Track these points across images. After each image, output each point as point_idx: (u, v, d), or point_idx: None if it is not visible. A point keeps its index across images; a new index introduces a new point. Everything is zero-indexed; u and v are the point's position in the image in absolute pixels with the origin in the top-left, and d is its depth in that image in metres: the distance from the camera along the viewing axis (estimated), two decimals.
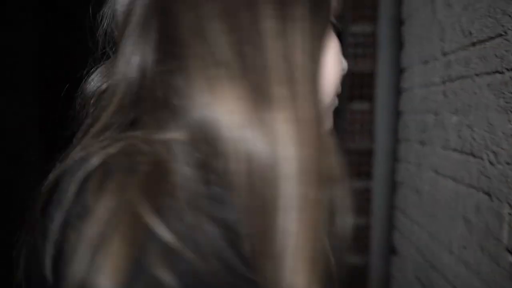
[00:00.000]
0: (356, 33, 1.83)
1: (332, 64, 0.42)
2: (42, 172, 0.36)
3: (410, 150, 0.97)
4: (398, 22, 1.49)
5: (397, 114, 1.36)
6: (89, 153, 0.32)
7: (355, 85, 1.85)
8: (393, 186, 1.31)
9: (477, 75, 0.78)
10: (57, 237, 0.29)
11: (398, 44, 1.51)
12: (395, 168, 1.09)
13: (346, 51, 1.90)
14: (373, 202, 1.84)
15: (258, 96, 0.32)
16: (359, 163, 1.85)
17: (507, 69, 0.66)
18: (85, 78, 0.42)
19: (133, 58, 0.37)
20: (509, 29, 0.66)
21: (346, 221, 0.40)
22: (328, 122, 0.44)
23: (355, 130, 1.85)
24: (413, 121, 0.97)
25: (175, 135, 0.33)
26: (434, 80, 0.88)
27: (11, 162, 2.33)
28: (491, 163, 0.70)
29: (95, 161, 0.31)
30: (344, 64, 0.47)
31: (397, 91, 1.41)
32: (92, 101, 0.40)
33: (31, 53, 2.61)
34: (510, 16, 0.65)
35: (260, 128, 0.32)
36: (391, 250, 1.09)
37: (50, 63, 2.57)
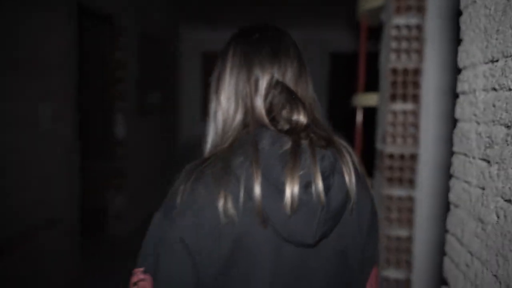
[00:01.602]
0: (399, 25, 1.65)
1: None
2: None
3: (469, 167, 0.80)
4: (452, 12, 1.29)
5: (450, 120, 1.18)
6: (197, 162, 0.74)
7: (397, 83, 1.66)
8: (444, 204, 1.14)
9: None
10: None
11: (451, 38, 1.31)
12: (448, 185, 0.92)
13: (387, 45, 1.71)
14: (416, 213, 1.66)
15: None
16: (400, 169, 1.67)
17: None
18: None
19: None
20: None
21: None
22: None
23: (397, 132, 1.68)
24: (475, 132, 0.80)
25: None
26: (506, 84, 0.71)
27: None
28: None
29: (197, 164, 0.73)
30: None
31: (451, 94, 1.22)
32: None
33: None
34: None
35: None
36: (442, 281, 0.92)
37: None
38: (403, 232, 1.68)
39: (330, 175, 0.67)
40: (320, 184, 0.64)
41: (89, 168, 6.07)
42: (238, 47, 0.80)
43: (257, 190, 0.64)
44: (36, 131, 2.97)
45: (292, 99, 0.73)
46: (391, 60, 1.66)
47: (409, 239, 1.68)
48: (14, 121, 2.76)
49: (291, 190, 0.63)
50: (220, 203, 0.65)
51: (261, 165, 0.65)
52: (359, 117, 2.51)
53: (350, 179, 0.69)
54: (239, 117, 0.75)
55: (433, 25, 1.60)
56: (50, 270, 3.14)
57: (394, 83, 1.66)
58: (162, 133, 5.89)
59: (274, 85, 0.74)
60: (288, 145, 0.67)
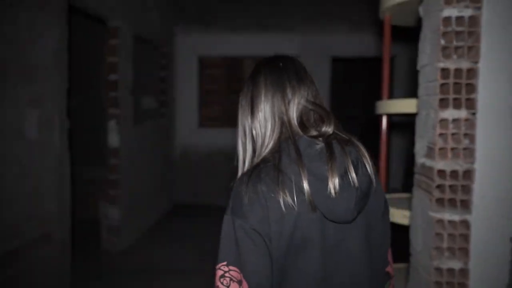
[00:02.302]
0: (449, 17, 1.39)
1: None
2: None
3: None
4: None
5: None
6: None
7: (447, 86, 1.40)
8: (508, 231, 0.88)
9: None
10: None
11: None
12: None
13: (436, 42, 1.45)
14: (472, 241, 1.40)
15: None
16: (452, 188, 1.40)
17: None
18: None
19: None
20: None
21: None
22: None
23: (447, 145, 1.41)
24: None
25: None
26: None
27: None
28: None
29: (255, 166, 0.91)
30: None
31: None
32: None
33: None
34: None
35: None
36: None
37: None
38: (456, 264, 1.41)
39: (358, 165, 0.87)
40: (353, 173, 0.84)
41: (81, 179, 5.75)
42: (268, 75, 0.99)
43: (305, 184, 0.83)
44: (23, 140, 2.66)
45: (326, 113, 0.96)
46: (440, 59, 1.40)
47: (464, 272, 1.41)
48: (5, 130, 2.47)
49: (332, 180, 0.82)
50: (281, 197, 0.84)
51: (305, 164, 0.84)
52: (384, 125, 2.24)
53: (370, 168, 0.90)
54: (277, 131, 0.94)
55: (492, 16, 1.34)
56: None
57: (444, 86, 1.40)
58: (158, 141, 5.57)
59: (305, 103, 0.96)
60: (321, 146, 0.87)
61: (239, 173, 0.99)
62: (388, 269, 1.02)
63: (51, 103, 2.95)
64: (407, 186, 5.77)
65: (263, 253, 0.84)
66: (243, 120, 1.01)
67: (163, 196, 5.80)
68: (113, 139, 4.23)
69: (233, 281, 0.85)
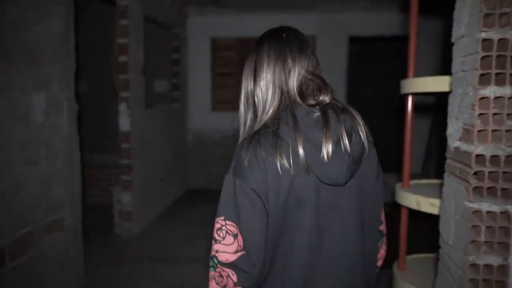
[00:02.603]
0: None
1: None
2: None
3: None
4: None
5: None
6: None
7: (489, 59, 1.23)
8: None
9: None
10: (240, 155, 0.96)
11: None
12: None
13: (476, 9, 1.27)
14: None
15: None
16: (492, 175, 1.25)
17: None
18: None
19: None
20: None
21: None
22: None
23: (488, 126, 1.24)
24: None
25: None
26: None
27: None
28: None
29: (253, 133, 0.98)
30: None
31: None
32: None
33: None
34: None
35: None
36: None
37: None
38: (494, 260, 1.26)
39: (351, 133, 0.96)
40: (346, 140, 0.93)
41: (94, 164, 5.71)
42: (271, 45, 1.04)
43: (301, 149, 0.92)
44: (29, 124, 2.57)
45: (324, 83, 1.02)
46: (481, 28, 1.22)
47: (503, 269, 1.26)
48: (4, 115, 2.38)
49: (326, 146, 0.91)
50: (278, 161, 0.92)
51: (302, 131, 0.93)
52: (409, 106, 2.07)
53: (363, 136, 0.98)
54: (276, 99, 1.02)
55: None
56: (53, 277, 2.78)
57: (485, 60, 1.23)
58: (171, 125, 5.47)
59: (305, 73, 1.02)
60: (317, 114, 0.95)
61: (240, 135, 1.08)
62: (381, 227, 1.14)
63: (58, 86, 2.84)
64: (427, 171, 5.56)
65: (259, 211, 0.93)
66: (246, 86, 1.07)
67: (176, 181, 5.74)
68: (124, 123, 4.13)
69: (229, 234, 0.94)
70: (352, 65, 7.08)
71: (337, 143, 0.92)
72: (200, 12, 6.06)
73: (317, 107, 0.97)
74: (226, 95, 6.25)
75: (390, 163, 7.49)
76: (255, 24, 5.97)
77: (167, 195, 5.34)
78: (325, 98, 0.99)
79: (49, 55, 2.73)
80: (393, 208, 2.38)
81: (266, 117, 1.01)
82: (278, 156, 0.91)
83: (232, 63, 6.19)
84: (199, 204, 5.44)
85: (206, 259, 3.84)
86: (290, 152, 0.92)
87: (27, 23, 2.52)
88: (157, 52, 6.00)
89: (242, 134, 1.07)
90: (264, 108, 1.03)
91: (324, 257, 0.96)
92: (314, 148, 0.91)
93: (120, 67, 4.06)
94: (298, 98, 0.99)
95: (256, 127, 1.03)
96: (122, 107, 4.10)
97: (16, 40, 2.43)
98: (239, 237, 0.93)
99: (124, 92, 4.09)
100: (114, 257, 3.83)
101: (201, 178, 6.33)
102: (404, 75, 2.05)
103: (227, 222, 0.94)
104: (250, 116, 1.07)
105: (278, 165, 0.91)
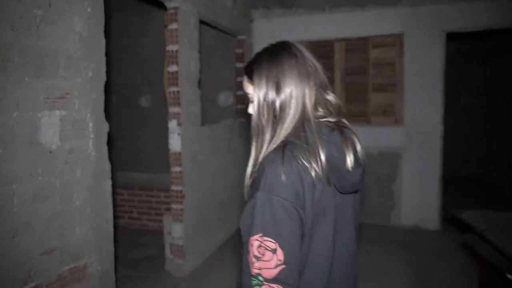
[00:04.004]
0: None
1: None
2: None
3: None
4: None
5: None
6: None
7: None
8: None
9: None
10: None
11: None
12: None
13: None
14: None
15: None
16: None
17: None
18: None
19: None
20: None
21: None
22: None
23: None
24: None
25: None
26: None
27: None
28: None
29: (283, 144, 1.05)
30: None
31: None
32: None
33: None
34: None
35: None
36: None
37: None
38: None
39: (356, 146, 1.10)
40: (361, 151, 1.09)
41: (150, 183, 5.26)
42: (292, 58, 1.10)
43: (326, 160, 1.02)
44: (36, 150, 2.03)
45: (334, 100, 1.13)
46: None
47: None
48: (9, 138, 1.88)
49: (350, 157, 1.03)
50: (313, 172, 1.00)
51: (325, 145, 1.02)
52: None
53: (361, 148, 1.11)
54: (298, 114, 1.07)
55: None
56: None
57: None
58: (233, 143, 4.79)
59: (320, 89, 1.11)
60: (334, 128, 1.08)
61: (264, 150, 1.08)
62: None
63: (79, 103, 2.30)
64: None
65: (297, 224, 0.99)
66: (265, 97, 1.09)
67: (237, 209, 4.96)
68: (175, 143, 3.54)
69: (267, 250, 0.97)
70: (447, 67, 5.94)
71: (355, 154, 1.06)
72: (266, 15, 5.40)
73: (331, 122, 1.09)
74: None
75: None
76: (329, 25, 5.15)
77: (227, 225, 4.61)
78: (335, 114, 1.12)
79: (66, 63, 2.20)
80: None
81: (285, 132, 1.06)
82: (313, 168, 1.00)
83: None
84: None
85: None
86: (320, 164, 1.00)
87: (33, 23, 2.00)
88: (220, 61, 5.44)
89: (265, 149, 1.08)
90: (284, 121, 1.06)
91: (337, 258, 1.08)
92: (338, 159, 1.03)
93: (169, 78, 3.49)
94: (315, 113, 1.09)
95: (274, 141, 1.06)
96: (172, 124, 3.52)
97: (16, 45, 1.91)
98: (279, 252, 0.97)
99: (174, 106, 3.51)
100: None
101: None
102: None
103: (265, 238, 0.97)
104: (270, 129, 1.08)
105: (314, 176, 1.00)
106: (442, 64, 4.82)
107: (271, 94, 1.07)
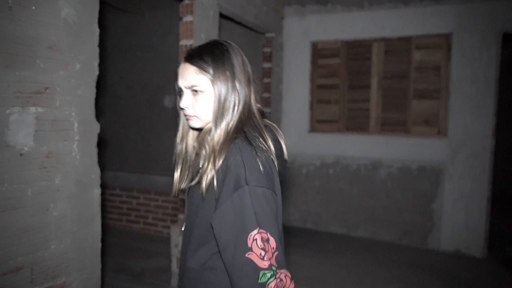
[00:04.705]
0: None
1: None
2: None
3: None
4: None
5: None
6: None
7: None
8: None
9: None
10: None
11: None
12: None
13: None
14: None
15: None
16: None
17: None
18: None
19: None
20: None
21: None
22: None
23: None
24: None
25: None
26: None
27: None
28: None
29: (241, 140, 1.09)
30: None
31: None
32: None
33: None
34: None
35: None
36: None
37: None
38: None
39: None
40: (284, 141, 1.23)
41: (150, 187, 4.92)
42: (238, 59, 1.16)
43: (273, 149, 1.12)
44: (4, 153, 1.75)
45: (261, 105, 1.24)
46: None
47: None
48: None
49: (285, 147, 1.21)
50: (275, 161, 1.11)
51: (269, 136, 1.13)
52: None
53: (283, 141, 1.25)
54: (246, 110, 1.14)
55: None
56: None
57: None
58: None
59: (254, 91, 1.19)
60: (266, 122, 1.20)
61: (219, 135, 1.10)
62: None
63: (61, 99, 2.00)
64: None
65: (275, 210, 1.06)
66: (228, 87, 1.12)
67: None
68: None
69: (263, 241, 1.00)
70: (502, 73, 5.29)
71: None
72: (299, 12, 4.99)
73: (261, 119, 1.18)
74: (328, 112, 5.03)
75: None
76: (368, 23, 4.68)
77: None
78: (263, 113, 1.22)
79: (45, 54, 1.91)
80: None
81: (240, 124, 1.11)
82: (273, 157, 1.10)
83: (336, 73, 4.96)
84: (293, 249, 4.25)
85: None
86: (271, 150, 1.10)
87: (4, 4, 1.72)
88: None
89: (222, 141, 1.09)
90: (237, 114, 1.12)
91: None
92: (279, 149, 1.18)
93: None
94: (255, 112, 1.17)
95: (230, 133, 1.10)
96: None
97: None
98: (271, 240, 1.01)
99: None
100: None
101: (294, 215, 5.18)
102: None
103: (261, 230, 1.01)
104: (225, 121, 1.12)
105: (276, 165, 1.11)
106: (496, 69, 4.22)
107: (230, 87, 1.11)
